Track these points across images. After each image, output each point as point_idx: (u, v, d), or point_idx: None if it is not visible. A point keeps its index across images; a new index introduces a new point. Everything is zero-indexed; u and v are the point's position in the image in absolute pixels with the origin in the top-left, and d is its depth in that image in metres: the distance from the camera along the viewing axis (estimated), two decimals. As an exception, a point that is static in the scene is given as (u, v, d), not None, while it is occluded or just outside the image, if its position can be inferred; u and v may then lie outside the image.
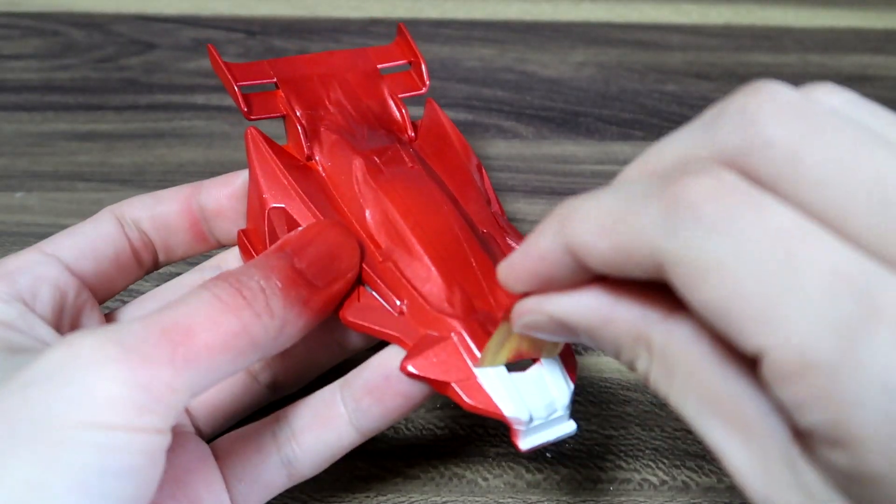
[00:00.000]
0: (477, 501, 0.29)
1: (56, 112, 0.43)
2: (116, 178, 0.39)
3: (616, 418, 0.31)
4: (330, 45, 0.48)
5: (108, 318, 0.27)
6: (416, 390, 0.24)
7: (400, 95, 0.31)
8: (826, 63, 0.48)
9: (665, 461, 0.30)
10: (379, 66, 0.32)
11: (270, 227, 0.26)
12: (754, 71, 0.47)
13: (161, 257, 0.28)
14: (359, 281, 0.25)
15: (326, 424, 0.24)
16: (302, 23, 0.49)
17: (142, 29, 0.48)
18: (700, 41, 0.49)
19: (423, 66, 0.32)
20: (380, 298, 0.25)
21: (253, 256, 0.27)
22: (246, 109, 0.28)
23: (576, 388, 0.25)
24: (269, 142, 0.28)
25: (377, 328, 0.24)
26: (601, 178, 0.41)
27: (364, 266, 0.25)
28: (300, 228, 0.25)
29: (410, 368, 0.23)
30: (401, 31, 0.32)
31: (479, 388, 0.22)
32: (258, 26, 0.49)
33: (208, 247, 0.29)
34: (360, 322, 0.24)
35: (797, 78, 0.46)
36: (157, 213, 0.27)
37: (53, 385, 0.18)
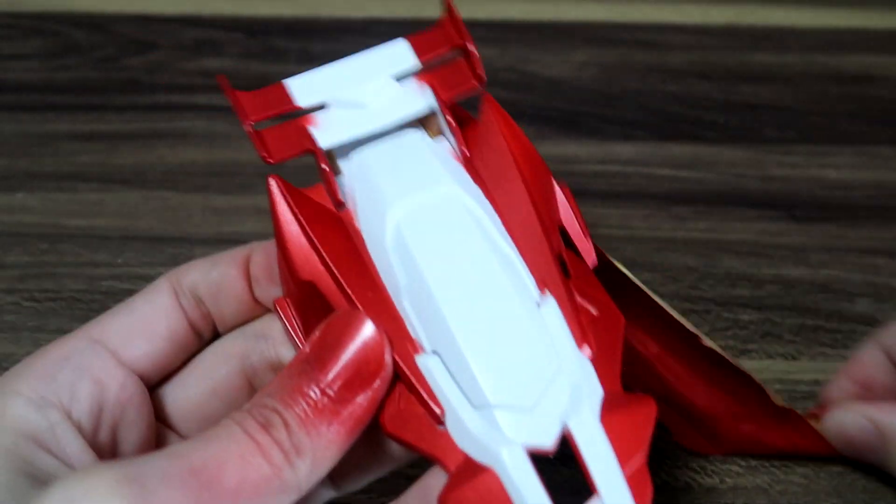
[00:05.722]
0: (478, 503, 0.29)
1: (57, 112, 0.43)
2: (117, 179, 0.39)
3: (618, 419, 0.31)
4: (331, 45, 0.47)
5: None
6: None
7: (447, 98, 0.26)
8: (828, 63, 0.47)
9: (667, 462, 0.30)
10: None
11: (301, 307, 0.24)
12: (756, 71, 0.47)
13: (220, 327, 0.25)
14: (398, 377, 0.22)
15: None
16: (303, 23, 0.49)
17: (143, 29, 0.48)
18: (702, 41, 0.49)
19: (474, 53, 0.26)
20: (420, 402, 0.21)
21: (293, 329, 0.24)
22: (266, 154, 0.24)
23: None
24: (295, 194, 0.24)
25: (415, 444, 0.21)
26: (603, 178, 0.41)
27: (398, 361, 0.22)
28: (319, 330, 0.22)
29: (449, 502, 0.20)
30: (449, 9, 0.27)
31: None
32: (259, 26, 0.48)
33: (261, 313, 0.26)
34: (399, 435, 0.21)
35: (799, 78, 0.46)
36: (212, 277, 0.25)
37: None
